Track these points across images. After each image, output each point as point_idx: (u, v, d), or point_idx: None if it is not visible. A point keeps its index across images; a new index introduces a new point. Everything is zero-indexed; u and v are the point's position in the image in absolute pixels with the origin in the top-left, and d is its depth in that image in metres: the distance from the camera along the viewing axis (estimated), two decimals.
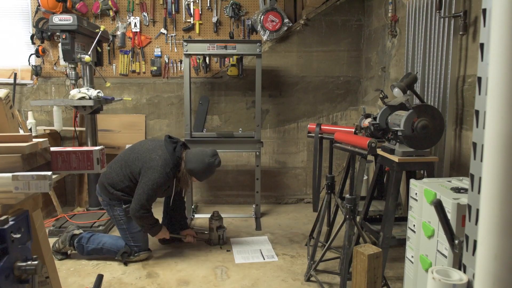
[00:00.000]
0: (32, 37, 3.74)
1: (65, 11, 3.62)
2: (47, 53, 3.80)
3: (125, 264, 2.64)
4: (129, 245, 2.66)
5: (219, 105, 3.64)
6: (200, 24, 3.83)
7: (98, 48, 3.48)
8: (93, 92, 3.12)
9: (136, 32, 3.81)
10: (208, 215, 3.64)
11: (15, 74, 3.72)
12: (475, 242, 0.85)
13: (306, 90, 3.96)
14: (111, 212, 2.69)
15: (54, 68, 3.83)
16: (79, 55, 3.14)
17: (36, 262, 1.05)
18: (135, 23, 3.79)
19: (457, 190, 1.59)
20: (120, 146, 3.76)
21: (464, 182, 1.73)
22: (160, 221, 2.82)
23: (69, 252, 2.77)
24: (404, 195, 2.81)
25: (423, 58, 2.56)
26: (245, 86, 3.91)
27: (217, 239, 2.96)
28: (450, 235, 1.04)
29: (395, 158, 2.06)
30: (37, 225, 1.25)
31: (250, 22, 3.83)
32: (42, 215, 1.35)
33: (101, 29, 3.29)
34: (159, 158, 2.57)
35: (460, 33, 2.20)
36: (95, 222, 3.20)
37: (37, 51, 3.71)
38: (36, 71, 3.75)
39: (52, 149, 1.26)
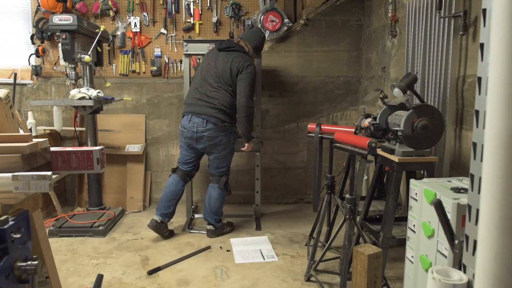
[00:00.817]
0: (32, 37, 3.74)
1: (65, 11, 3.62)
2: (47, 53, 3.81)
3: (229, 193, 3.17)
4: (227, 167, 3.08)
5: None
6: (200, 24, 3.83)
7: (98, 48, 3.48)
8: (93, 92, 3.12)
9: (136, 32, 3.81)
10: None
11: (15, 74, 3.72)
12: (475, 242, 0.85)
13: (306, 90, 3.96)
14: (229, 136, 2.97)
15: (54, 68, 3.83)
16: (79, 55, 3.14)
17: (36, 262, 1.05)
18: (135, 23, 3.79)
19: (457, 190, 1.59)
20: (120, 146, 3.76)
21: (464, 182, 1.73)
22: None
23: None
24: (404, 195, 2.81)
25: (423, 58, 2.56)
26: None
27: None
28: (450, 235, 1.04)
29: (395, 158, 2.06)
30: (37, 225, 1.25)
31: (250, 22, 3.83)
32: (42, 215, 1.35)
33: (101, 29, 3.29)
34: (243, 60, 2.93)
35: (460, 33, 2.20)
36: (95, 222, 3.20)
37: (37, 51, 3.71)
38: (36, 71, 3.75)
39: (52, 149, 1.26)
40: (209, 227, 3.12)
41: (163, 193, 3.11)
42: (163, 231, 3.06)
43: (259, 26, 3.73)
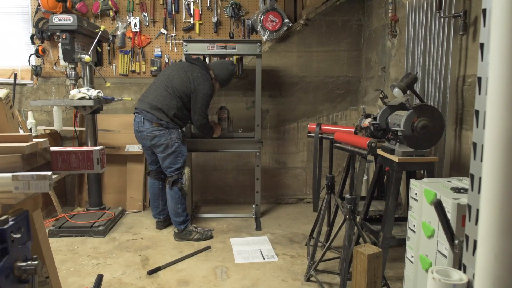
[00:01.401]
0: (32, 37, 3.74)
1: (65, 11, 3.62)
2: (47, 53, 3.80)
3: (184, 194, 3.07)
4: (175, 168, 3.03)
5: (219, 105, 3.64)
6: (200, 24, 3.83)
7: (98, 48, 3.47)
8: (93, 92, 3.12)
9: (136, 32, 3.81)
10: (208, 215, 3.66)
11: (15, 74, 3.72)
12: (475, 242, 0.85)
13: (306, 90, 3.96)
14: (167, 136, 2.97)
15: (54, 68, 3.83)
16: (79, 55, 3.14)
17: (36, 262, 1.05)
18: (135, 23, 3.79)
19: (457, 190, 1.59)
20: (120, 146, 3.76)
21: (464, 182, 1.73)
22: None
23: None
24: (404, 195, 2.81)
25: (423, 58, 2.56)
26: (245, 86, 3.91)
27: (226, 126, 3.42)
28: (450, 235, 1.04)
29: (395, 158, 2.06)
30: (37, 225, 1.25)
31: (250, 22, 3.83)
32: (42, 215, 1.35)
33: (101, 29, 3.29)
34: (201, 75, 3.03)
35: (460, 33, 2.20)
36: (95, 222, 3.20)
37: (37, 51, 3.71)
38: (36, 71, 3.75)
39: (52, 149, 1.26)
40: (174, 229, 3.12)
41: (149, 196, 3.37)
42: (166, 224, 3.32)
43: (259, 26, 3.73)
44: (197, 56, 3.31)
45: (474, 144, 0.83)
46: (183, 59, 3.31)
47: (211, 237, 3.11)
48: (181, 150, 3.05)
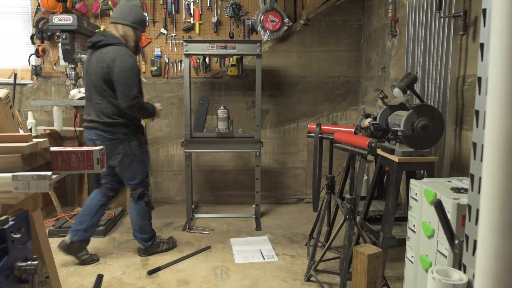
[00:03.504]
0: (32, 37, 3.74)
1: (65, 11, 3.62)
2: (47, 53, 3.80)
3: (152, 208, 2.85)
4: (136, 183, 2.67)
5: (219, 105, 3.64)
6: (200, 24, 3.83)
7: None
8: None
9: None
10: (208, 215, 3.66)
11: (15, 74, 3.72)
12: (475, 242, 0.85)
13: (306, 90, 3.96)
14: (127, 147, 2.57)
15: (54, 68, 3.83)
16: (79, 55, 3.14)
17: (36, 262, 1.05)
18: None
19: (457, 190, 1.59)
20: None
21: (464, 182, 1.73)
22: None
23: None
24: (404, 195, 2.81)
25: (423, 58, 2.56)
26: (245, 86, 3.91)
27: (227, 127, 3.38)
28: (450, 235, 1.04)
29: (395, 158, 2.06)
30: (37, 225, 1.25)
31: (250, 22, 3.83)
32: (42, 215, 1.35)
33: (101, 29, 3.29)
34: (116, 52, 2.48)
35: (460, 33, 2.20)
36: None
37: (37, 51, 3.71)
38: (36, 71, 3.75)
39: (52, 149, 1.26)
40: (138, 246, 2.81)
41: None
42: (72, 250, 2.66)
43: (259, 26, 3.73)
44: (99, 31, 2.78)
45: (474, 144, 0.83)
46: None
47: (175, 245, 2.92)
48: (138, 158, 2.66)
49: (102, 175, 2.76)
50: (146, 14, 2.90)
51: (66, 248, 2.61)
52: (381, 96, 2.28)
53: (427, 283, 0.94)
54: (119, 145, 2.57)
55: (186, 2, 3.80)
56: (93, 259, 2.68)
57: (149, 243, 2.77)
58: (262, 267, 2.62)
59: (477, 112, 0.82)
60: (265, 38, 3.76)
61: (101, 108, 2.53)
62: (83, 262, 2.64)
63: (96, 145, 2.28)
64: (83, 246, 2.66)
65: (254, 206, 3.59)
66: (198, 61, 3.83)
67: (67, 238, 2.63)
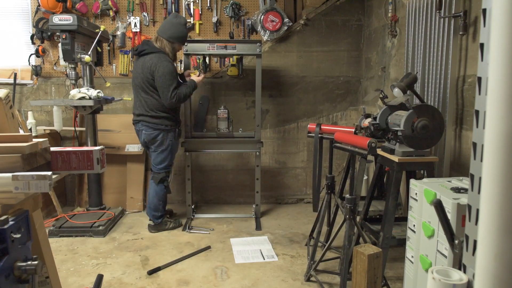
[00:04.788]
0: (32, 37, 3.74)
1: (65, 11, 3.62)
2: (47, 53, 3.80)
3: (169, 192, 3.24)
4: (166, 165, 3.17)
5: (219, 105, 3.64)
6: (200, 24, 3.83)
7: (98, 48, 3.47)
8: (93, 92, 3.12)
9: (136, 32, 3.81)
10: (208, 215, 3.66)
11: (15, 74, 3.72)
12: (475, 242, 0.85)
13: (306, 90, 3.96)
14: (164, 136, 3.10)
15: (54, 68, 3.83)
16: (79, 55, 3.14)
17: (36, 262, 1.05)
18: (135, 23, 3.79)
19: (457, 190, 1.59)
20: (120, 146, 3.75)
21: (464, 182, 1.73)
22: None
23: None
24: (404, 195, 2.81)
25: (423, 58, 2.56)
26: (245, 86, 3.91)
27: (227, 127, 3.46)
28: (450, 235, 1.04)
29: (395, 158, 2.06)
30: (37, 225, 1.25)
31: (250, 22, 3.83)
32: (42, 215, 1.35)
33: (101, 29, 3.29)
34: (157, 59, 3.00)
35: (460, 33, 2.20)
36: (95, 222, 3.20)
37: (37, 51, 3.71)
38: (36, 71, 3.75)
39: (52, 149, 1.26)
40: (149, 222, 3.27)
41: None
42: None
43: (259, 26, 3.74)
44: (145, 41, 3.20)
45: (474, 144, 0.83)
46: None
47: (180, 224, 3.36)
48: (171, 147, 3.17)
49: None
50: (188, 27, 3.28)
51: (154, 228, 3.24)
52: (381, 96, 2.28)
53: (427, 283, 0.94)
54: (159, 134, 3.09)
55: (186, 2, 3.80)
56: (180, 224, 3.35)
57: (159, 220, 3.22)
58: (262, 267, 2.62)
59: (477, 112, 0.82)
60: (265, 38, 3.76)
61: (148, 104, 3.07)
62: (173, 229, 3.28)
63: (142, 135, 3.11)
64: (163, 221, 3.26)
65: (254, 206, 3.59)
66: (198, 61, 3.83)
67: (150, 221, 3.26)
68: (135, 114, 3.16)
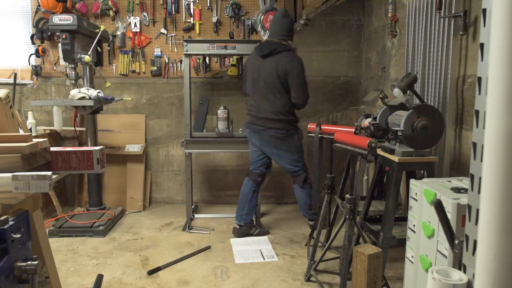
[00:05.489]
0: (32, 37, 3.74)
1: (65, 11, 3.62)
2: (47, 53, 3.81)
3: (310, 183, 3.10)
4: (302, 166, 3.07)
5: (219, 105, 3.64)
6: (200, 24, 3.83)
7: (98, 48, 3.48)
8: (93, 92, 3.12)
9: (136, 32, 3.81)
10: (208, 215, 3.66)
11: (15, 74, 3.72)
12: (475, 242, 0.85)
13: None
14: (290, 140, 3.00)
15: (54, 68, 3.83)
16: (79, 55, 3.14)
17: (36, 262, 1.05)
18: (135, 23, 3.79)
19: (457, 190, 1.59)
20: (120, 146, 3.76)
21: (464, 182, 1.73)
22: None
23: None
24: (404, 195, 2.81)
25: (423, 58, 2.56)
26: None
27: (227, 127, 3.44)
28: (450, 235, 1.04)
29: (395, 158, 2.06)
30: (37, 225, 1.25)
31: (250, 22, 3.83)
32: (42, 215, 1.35)
33: (101, 29, 3.29)
34: (291, 57, 2.93)
35: (460, 33, 2.19)
36: (95, 222, 3.20)
37: (37, 51, 3.71)
38: (36, 71, 3.75)
39: (52, 149, 1.26)
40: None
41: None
42: (242, 233, 3.18)
43: (259, 26, 3.73)
44: (266, 41, 3.11)
45: (474, 144, 0.83)
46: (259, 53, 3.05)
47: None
48: (299, 146, 3.08)
49: (252, 161, 3.20)
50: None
51: (239, 232, 3.12)
52: (381, 96, 2.28)
53: (427, 283, 0.94)
54: (287, 138, 3.00)
55: (186, 2, 3.80)
56: (264, 232, 3.20)
57: (315, 216, 3.08)
58: (262, 267, 2.62)
59: (477, 112, 0.82)
60: (265, 38, 3.76)
61: (276, 106, 2.95)
62: (258, 235, 3.14)
63: (272, 141, 2.99)
64: (250, 226, 3.16)
65: None
66: (198, 61, 3.83)
67: (236, 224, 3.15)
68: (257, 118, 3.02)
